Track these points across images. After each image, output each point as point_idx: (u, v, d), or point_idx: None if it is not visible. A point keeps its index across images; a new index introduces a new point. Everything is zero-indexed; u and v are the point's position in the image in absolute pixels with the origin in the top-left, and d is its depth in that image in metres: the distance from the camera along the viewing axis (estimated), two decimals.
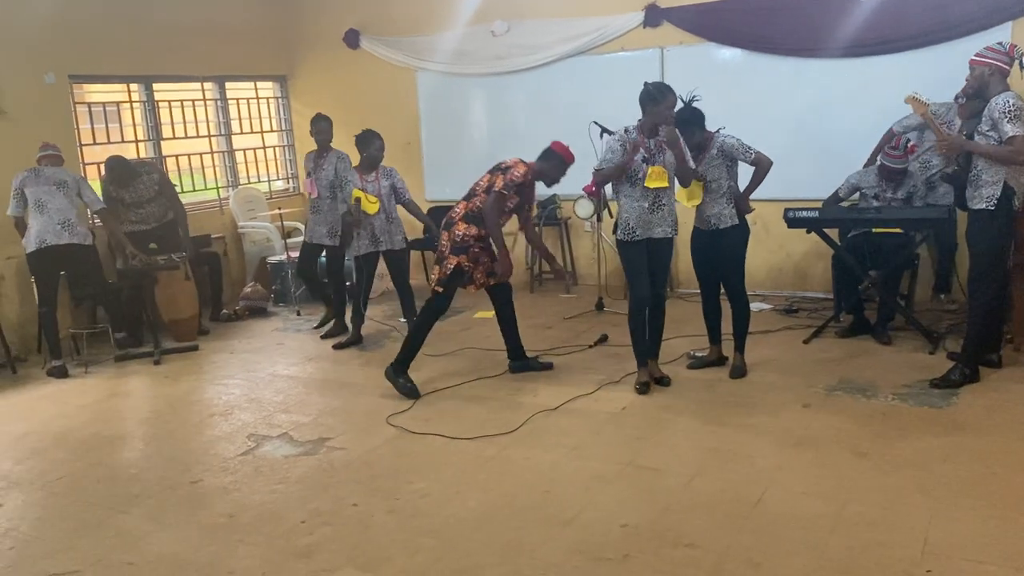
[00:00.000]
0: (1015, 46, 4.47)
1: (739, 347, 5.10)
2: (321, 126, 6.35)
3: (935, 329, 5.54)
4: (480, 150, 8.01)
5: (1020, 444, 3.92)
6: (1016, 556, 3.00)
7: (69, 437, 4.75)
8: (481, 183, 5.12)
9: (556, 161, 5.14)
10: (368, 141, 5.98)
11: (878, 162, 5.61)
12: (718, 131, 4.90)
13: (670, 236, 4.82)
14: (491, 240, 5.13)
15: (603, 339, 5.96)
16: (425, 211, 6.66)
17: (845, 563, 3.02)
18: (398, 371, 5.12)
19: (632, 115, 7.06)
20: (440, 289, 5.11)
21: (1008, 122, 4.29)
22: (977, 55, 4.49)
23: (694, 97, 4.93)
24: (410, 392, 5.03)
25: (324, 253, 6.60)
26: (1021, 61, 4.44)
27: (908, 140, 5.57)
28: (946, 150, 4.70)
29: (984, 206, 4.50)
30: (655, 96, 4.68)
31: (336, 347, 6.23)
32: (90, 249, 6.11)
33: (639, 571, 3.06)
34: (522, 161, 5.10)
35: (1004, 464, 3.73)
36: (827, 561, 3.04)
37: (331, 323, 6.60)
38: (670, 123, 4.66)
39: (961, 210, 4.82)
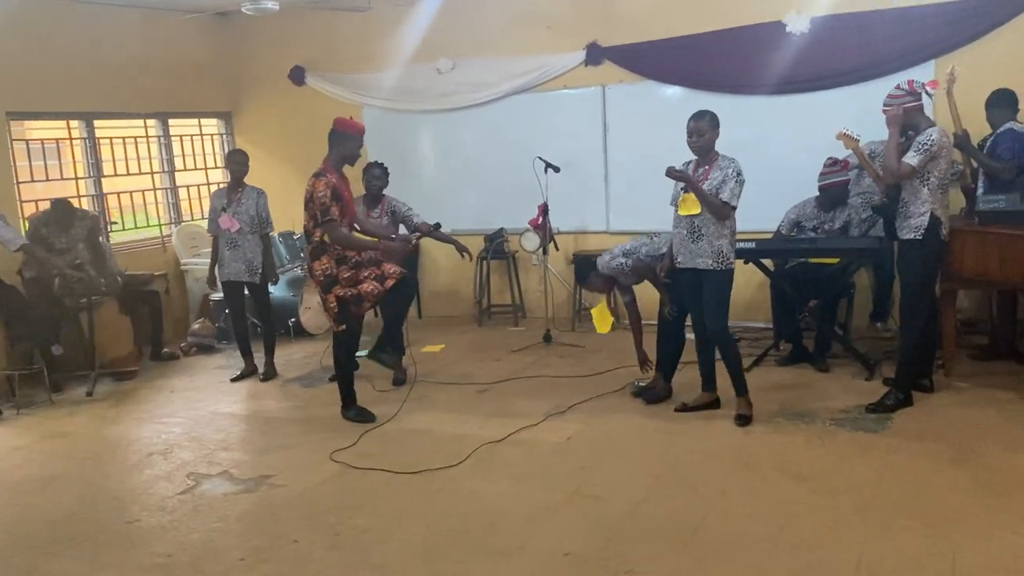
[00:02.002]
0: (913, 81, 4.70)
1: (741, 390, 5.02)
2: (239, 159, 6.32)
3: (871, 356, 5.69)
4: (427, 185, 8.07)
5: (952, 465, 4.04)
6: (945, 573, 3.08)
7: (0, 480, 4.60)
8: (307, 224, 5.04)
9: (344, 139, 5.03)
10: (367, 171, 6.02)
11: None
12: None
13: (712, 268, 4.68)
14: (359, 252, 5.06)
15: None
16: None
17: None
18: (348, 407, 5.19)
19: (576, 151, 7.26)
20: (341, 327, 5.08)
21: (915, 152, 4.50)
22: (884, 105, 4.70)
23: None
24: (366, 416, 5.14)
25: (247, 291, 6.43)
26: (926, 90, 4.65)
27: (843, 158, 5.77)
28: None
29: (913, 236, 4.67)
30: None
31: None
32: (10, 288, 5.97)
33: None
34: (314, 176, 4.99)
35: (936, 485, 3.83)
36: None
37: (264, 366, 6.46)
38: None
39: (892, 239, 4.99)
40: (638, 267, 5.13)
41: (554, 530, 3.62)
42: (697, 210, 4.65)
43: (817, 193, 5.80)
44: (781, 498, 3.80)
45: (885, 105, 4.70)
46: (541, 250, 7.06)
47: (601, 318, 5.54)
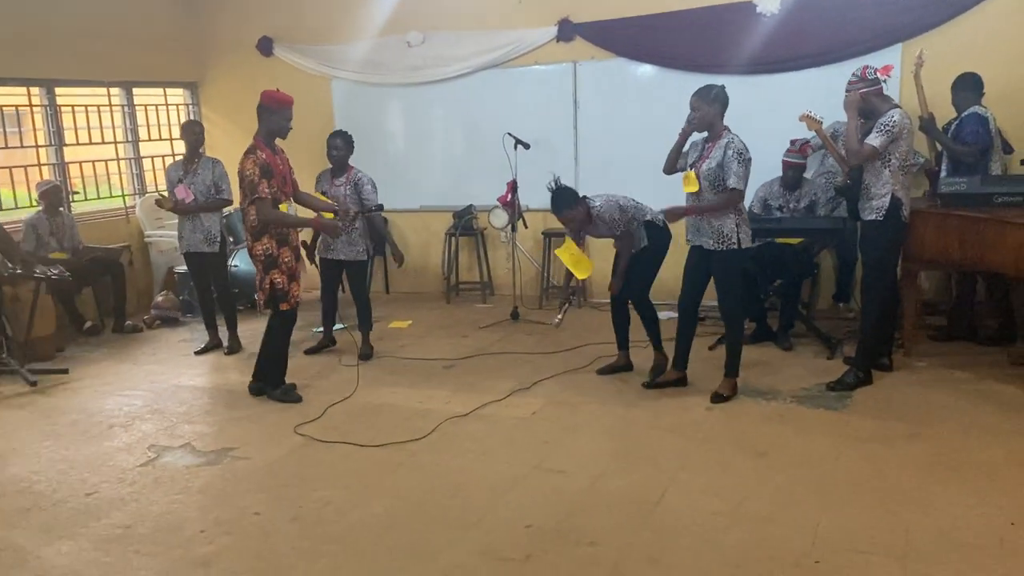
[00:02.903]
0: (867, 67, 4.76)
1: (657, 345, 5.22)
2: (195, 130, 6.23)
3: (833, 335, 5.77)
4: (396, 160, 8.01)
5: (908, 442, 4.12)
6: (898, 547, 3.15)
7: None
8: (242, 203, 5.00)
9: (269, 113, 4.94)
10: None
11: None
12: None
13: (714, 249, 4.65)
14: (291, 231, 5.04)
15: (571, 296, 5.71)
16: None
17: (740, 557, 3.12)
18: (276, 386, 5.18)
19: (546, 128, 7.24)
20: (283, 306, 5.02)
21: (877, 133, 4.55)
22: (847, 93, 4.75)
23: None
24: (292, 397, 5.12)
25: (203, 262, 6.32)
26: (878, 76, 4.71)
27: (807, 140, 5.83)
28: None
29: (874, 217, 4.73)
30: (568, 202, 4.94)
31: (308, 352, 6.13)
32: None
33: (541, 570, 3.09)
34: (244, 153, 4.93)
35: (892, 462, 3.90)
36: (723, 556, 3.14)
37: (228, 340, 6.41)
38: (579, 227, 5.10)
39: (855, 220, 5.04)
40: (624, 231, 5.04)
41: (515, 503, 3.65)
42: (696, 188, 4.65)
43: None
44: (740, 473, 3.85)
45: (846, 91, 4.74)
46: (510, 227, 7.05)
47: (578, 262, 5.18)
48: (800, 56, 6.53)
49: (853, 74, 4.75)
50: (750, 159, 4.56)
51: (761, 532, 3.29)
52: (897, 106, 4.68)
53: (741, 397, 4.82)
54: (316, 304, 6.52)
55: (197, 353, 6.30)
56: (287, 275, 4.97)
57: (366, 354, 5.98)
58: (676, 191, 4.84)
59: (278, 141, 5.05)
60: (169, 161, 8.51)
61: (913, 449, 4.03)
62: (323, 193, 5.86)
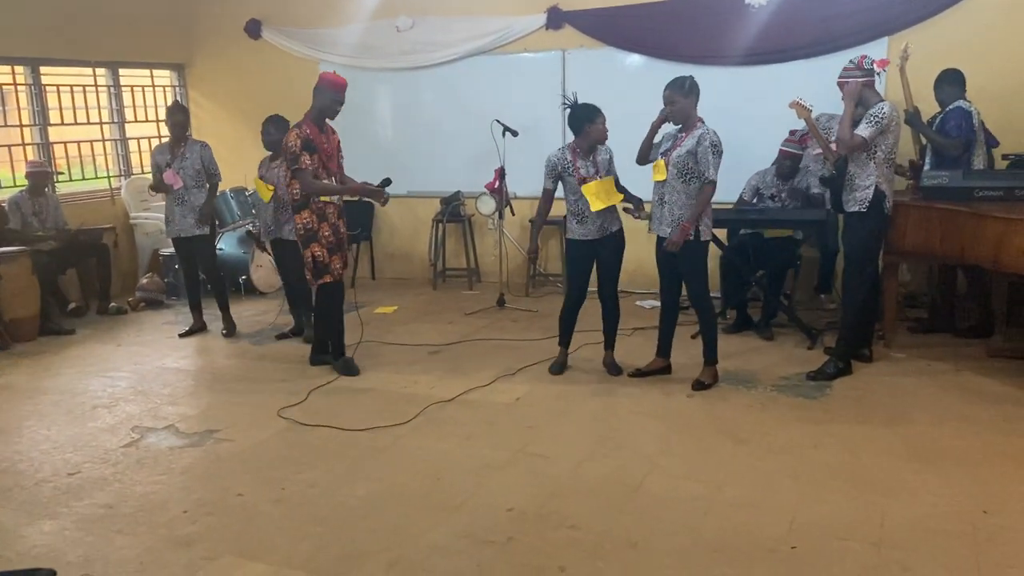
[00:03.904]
0: (864, 57, 4.78)
1: (609, 345, 5.23)
2: (179, 118, 6.17)
3: (814, 326, 5.82)
4: (385, 145, 8.00)
5: (885, 431, 4.17)
6: (873, 533, 3.20)
7: None
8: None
9: (320, 92, 5.00)
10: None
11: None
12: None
13: (669, 236, 4.68)
14: (335, 200, 5.10)
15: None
16: None
17: (718, 542, 3.16)
18: (337, 356, 5.30)
19: (535, 115, 7.25)
20: (324, 279, 5.08)
21: (866, 124, 4.59)
22: (841, 78, 4.78)
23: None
24: (352, 369, 5.23)
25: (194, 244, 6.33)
26: (875, 68, 4.74)
27: (806, 132, 5.86)
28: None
29: (857, 208, 4.77)
30: (591, 115, 4.79)
31: (279, 336, 6.18)
32: None
33: (522, 552, 3.13)
34: (291, 127, 5.07)
35: (869, 450, 3.96)
36: (701, 540, 3.18)
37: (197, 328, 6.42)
38: (604, 140, 4.87)
39: (838, 212, 5.09)
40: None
41: (498, 486, 3.68)
42: (663, 177, 4.68)
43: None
44: (719, 460, 3.90)
45: (841, 77, 4.77)
46: (497, 214, 7.06)
47: (597, 193, 4.83)
48: (788, 48, 6.58)
49: (850, 61, 4.77)
50: (723, 152, 4.60)
51: (739, 517, 3.34)
52: (884, 100, 4.72)
53: (722, 385, 4.87)
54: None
55: (182, 336, 6.30)
56: (327, 248, 5.03)
57: (311, 337, 5.96)
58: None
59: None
60: (156, 143, 8.51)
61: (890, 438, 4.09)
62: (261, 177, 5.94)
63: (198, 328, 6.38)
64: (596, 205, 4.85)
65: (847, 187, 4.82)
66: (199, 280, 6.43)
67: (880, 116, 4.58)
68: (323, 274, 5.06)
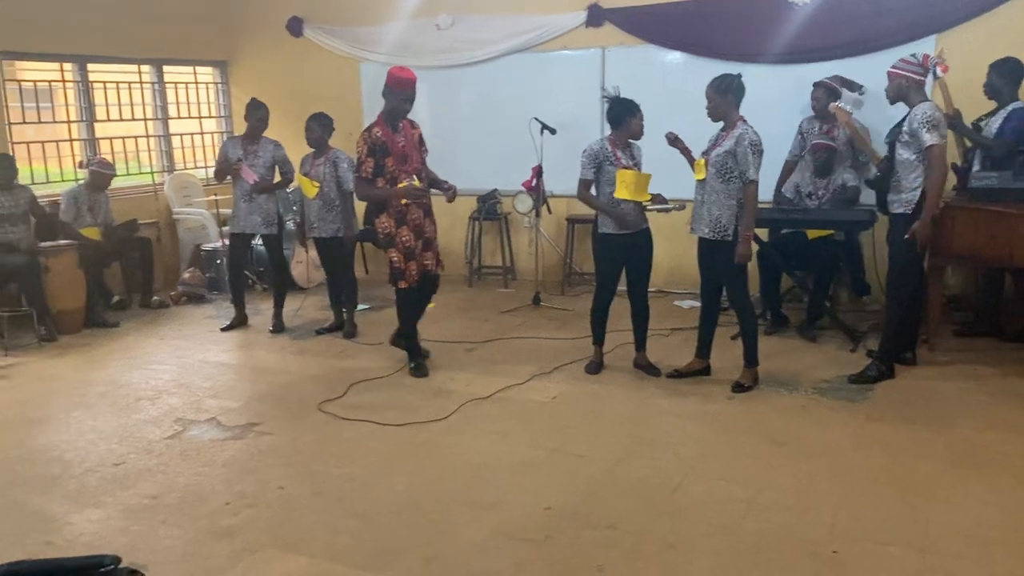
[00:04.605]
0: (928, 56, 4.68)
1: (640, 345, 5.18)
2: (260, 114, 6.22)
3: (857, 328, 5.74)
4: None
5: (928, 436, 4.11)
6: (917, 538, 3.15)
7: None
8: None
9: (388, 92, 4.89)
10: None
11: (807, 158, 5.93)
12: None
13: (709, 238, 4.65)
14: (386, 204, 4.98)
15: None
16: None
17: (756, 544, 3.14)
18: (410, 359, 5.28)
19: (573, 113, 7.23)
20: (400, 284, 5.05)
21: (927, 131, 4.48)
22: (894, 67, 4.69)
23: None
24: (421, 371, 5.19)
25: (262, 243, 6.49)
26: (935, 71, 4.65)
27: (833, 124, 5.88)
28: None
29: (903, 210, 4.70)
30: (633, 109, 4.81)
31: (319, 332, 6.23)
32: None
33: (559, 551, 3.12)
34: (363, 130, 5.02)
35: (912, 455, 3.90)
36: (740, 543, 3.15)
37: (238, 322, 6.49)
38: (640, 136, 4.86)
39: (883, 214, 5.01)
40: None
41: (534, 485, 3.68)
42: (702, 176, 4.65)
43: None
44: (759, 462, 3.86)
45: (896, 68, 4.65)
46: (533, 212, 7.07)
47: (630, 183, 4.79)
48: (832, 47, 6.48)
49: (913, 56, 4.68)
50: (763, 151, 4.56)
51: (779, 521, 3.31)
52: (928, 100, 4.64)
53: (762, 387, 4.82)
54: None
55: (224, 329, 6.39)
56: (404, 254, 4.98)
57: (350, 332, 6.10)
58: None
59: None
60: (198, 140, 8.65)
61: (934, 443, 4.02)
62: (305, 174, 5.99)
63: (240, 322, 6.47)
64: (621, 192, 4.83)
65: (893, 188, 4.74)
66: (244, 275, 6.52)
67: (935, 118, 4.50)
68: (399, 279, 5.03)
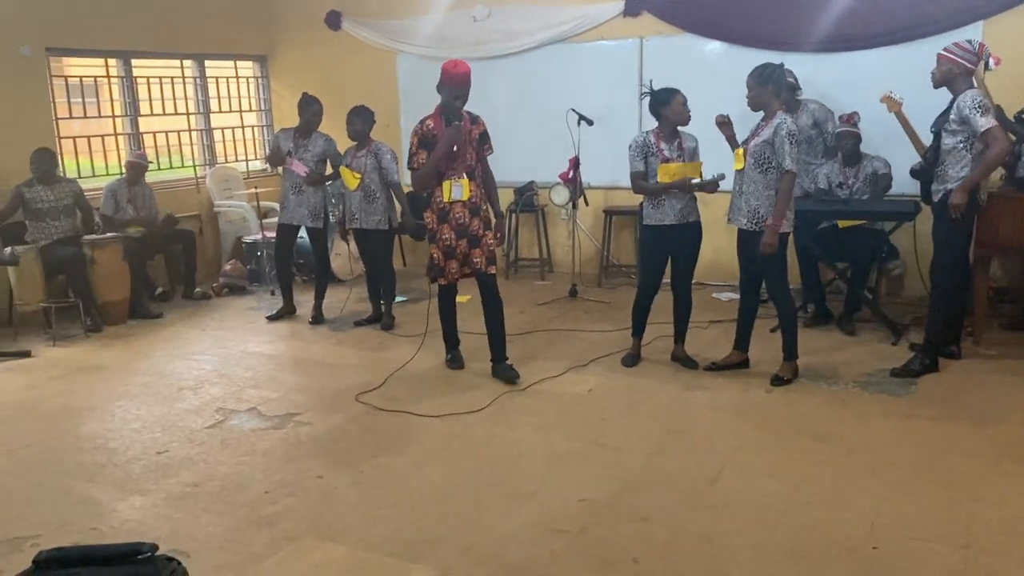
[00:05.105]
0: (984, 45, 4.56)
1: (680, 338, 5.16)
2: (315, 109, 6.22)
3: (899, 320, 5.64)
4: None
5: (972, 431, 4.03)
6: (960, 535, 3.09)
7: (37, 408, 4.76)
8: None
9: (441, 86, 4.72)
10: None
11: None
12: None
13: (747, 228, 4.63)
14: (467, 198, 4.82)
15: None
16: None
17: (794, 540, 3.10)
18: (447, 351, 5.29)
19: (611, 104, 7.19)
20: (436, 281, 5.01)
21: (980, 115, 4.38)
22: (946, 50, 4.57)
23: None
24: (457, 363, 5.20)
25: (306, 235, 6.54)
26: (987, 61, 4.53)
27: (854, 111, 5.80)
28: (956, 207, 4.51)
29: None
30: (666, 98, 4.76)
31: (357, 323, 6.29)
32: None
33: (594, 543, 3.12)
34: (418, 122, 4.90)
35: (955, 451, 3.83)
36: (777, 538, 3.12)
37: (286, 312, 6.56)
38: (684, 122, 4.79)
39: (926, 204, 4.92)
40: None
41: (570, 477, 3.68)
42: (741, 165, 4.61)
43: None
44: (798, 456, 3.82)
45: (948, 52, 4.53)
46: (570, 204, 7.05)
47: (675, 173, 4.77)
48: (875, 34, 6.36)
49: (968, 42, 4.56)
50: (800, 140, 4.51)
51: (818, 516, 3.27)
52: (973, 87, 4.53)
53: (802, 380, 4.76)
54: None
55: (270, 319, 6.49)
56: (443, 252, 4.87)
57: (387, 324, 6.13)
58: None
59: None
60: (239, 134, 8.76)
61: (979, 439, 3.94)
62: (347, 166, 6.03)
63: (287, 312, 6.54)
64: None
65: (938, 178, 4.65)
66: (291, 266, 6.58)
67: (987, 103, 4.40)
68: (437, 276, 4.97)
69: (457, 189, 4.82)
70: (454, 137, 4.71)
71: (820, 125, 6.06)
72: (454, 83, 4.67)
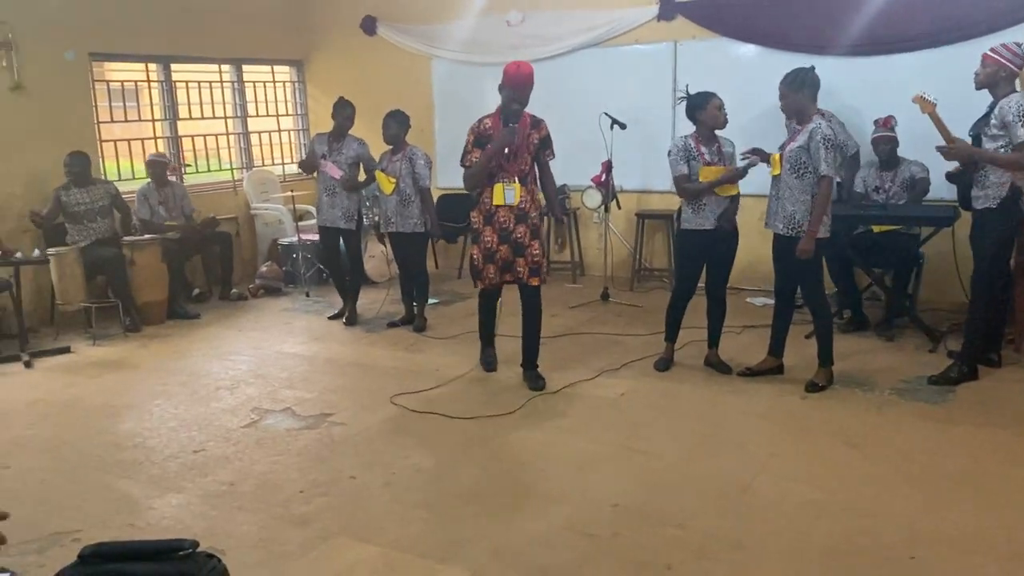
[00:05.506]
0: None
1: (714, 343, 5.13)
2: (347, 112, 6.30)
3: (937, 328, 5.56)
4: None
5: (1012, 439, 3.96)
6: (1002, 546, 3.04)
7: (77, 406, 4.85)
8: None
9: (502, 90, 4.65)
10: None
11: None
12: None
13: (783, 234, 4.58)
14: (515, 202, 4.72)
15: None
16: (436, 199, 6.71)
17: (828, 547, 3.07)
18: (481, 351, 5.29)
19: (644, 108, 7.17)
20: (480, 285, 4.97)
21: (1022, 125, 4.29)
22: (992, 51, 4.48)
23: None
24: (490, 365, 5.20)
25: (340, 238, 6.62)
26: None
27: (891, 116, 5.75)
28: (952, 156, 4.66)
29: (988, 205, 4.53)
30: (701, 102, 4.75)
31: (391, 324, 6.35)
32: None
33: (626, 548, 3.12)
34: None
35: (994, 460, 3.76)
36: (811, 545, 3.09)
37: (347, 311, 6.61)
38: (721, 125, 4.77)
39: (964, 209, 4.84)
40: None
41: (601, 481, 3.68)
42: (777, 171, 4.59)
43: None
44: (833, 463, 3.78)
45: (996, 53, 4.43)
46: (603, 208, 7.03)
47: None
48: (912, 37, 6.28)
49: (1018, 44, 4.46)
50: (837, 145, 4.45)
51: (853, 524, 3.23)
52: (1016, 91, 4.45)
53: (837, 387, 4.71)
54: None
55: (331, 318, 6.59)
56: (483, 254, 4.80)
57: (420, 326, 6.17)
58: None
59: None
60: (276, 138, 8.87)
61: (1018, 448, 3.87)
62: (383, 170, 6.07)
63: (346, 312, 6.58)
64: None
65: (978, 183, 4.57)
66: (341, 268, 6.66)
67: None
68: (477, 279, 4.94)
69: (510, 193, 4.72)
70: (507, 139, 4.63)
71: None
72: (512, 84, 4.58)
